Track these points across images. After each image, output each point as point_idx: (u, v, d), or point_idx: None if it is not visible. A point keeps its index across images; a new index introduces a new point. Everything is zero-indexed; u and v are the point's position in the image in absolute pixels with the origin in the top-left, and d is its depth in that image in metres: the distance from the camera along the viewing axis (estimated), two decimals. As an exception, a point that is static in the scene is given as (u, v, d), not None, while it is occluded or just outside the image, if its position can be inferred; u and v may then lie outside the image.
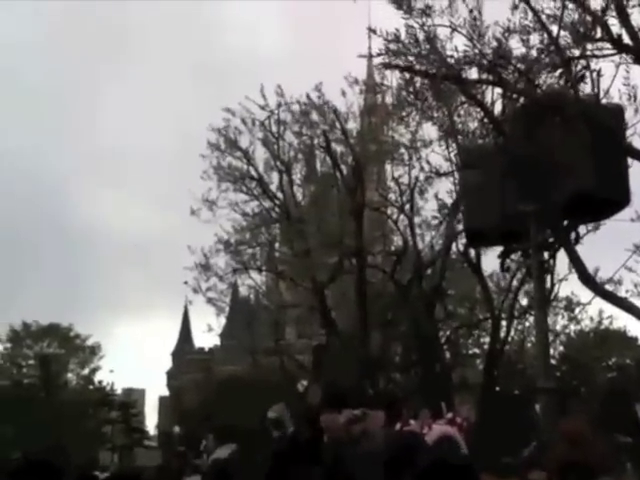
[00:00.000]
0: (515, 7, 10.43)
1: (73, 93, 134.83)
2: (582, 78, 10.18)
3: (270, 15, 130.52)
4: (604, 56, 10.09)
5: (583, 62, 10.25)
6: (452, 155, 22.74)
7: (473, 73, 10.88)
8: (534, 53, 10.50)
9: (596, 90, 10.02)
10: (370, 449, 5.73)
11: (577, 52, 10.25)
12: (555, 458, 4.45)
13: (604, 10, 9.86)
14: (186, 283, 28.12)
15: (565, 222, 10.87)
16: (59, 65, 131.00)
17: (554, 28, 10.21)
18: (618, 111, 10.25)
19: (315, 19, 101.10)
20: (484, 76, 10.76)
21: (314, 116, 26.77)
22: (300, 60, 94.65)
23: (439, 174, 23.69)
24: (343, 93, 25.75)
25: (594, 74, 10.05)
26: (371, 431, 6.07)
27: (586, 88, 10.25)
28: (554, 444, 4.67)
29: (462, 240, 24.27)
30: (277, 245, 30.26)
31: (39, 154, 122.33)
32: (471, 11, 10.46)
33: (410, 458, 5.18)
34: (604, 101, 10.16)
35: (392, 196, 28.25)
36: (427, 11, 10.48)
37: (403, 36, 10.69)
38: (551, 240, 11.00)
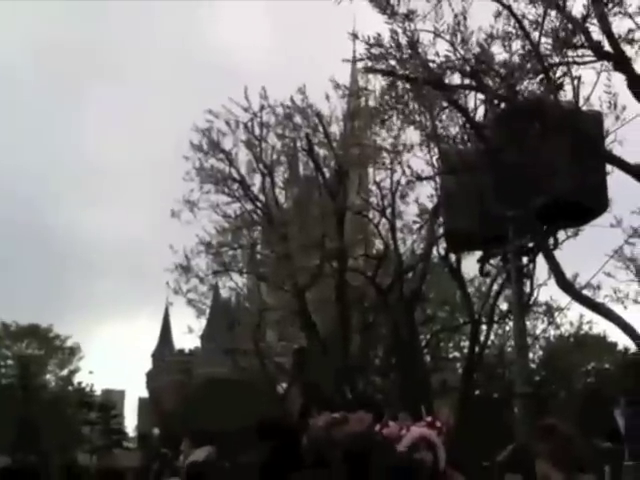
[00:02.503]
0: (499, 14, 10.51)
1: (55, 103, 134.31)
2: (562, 85, 10.25)
3: (254, 18, 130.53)
4: (585, 63, 10.17)
5: (564, 69, 10.33)
6: (434, 160, 22.92)
7: (455, 78, 10.95)
8: (516, 59, 10.58)
9: (576, 97, 10.09)
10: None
11: (558, 59, 10.33)
12: (547, 453, 4.49)
13: (585, 17, 9.93)
14: (167, 284, 28.12)
15: (544, 227, 10.94)
16: (42, 79, 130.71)
17: (536, 34, 10.28)
18: (598, 118, 10.33)
19: (299, 22, 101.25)
20: (466, 81, 10.82)
21: (297, 119, 26.81)
22: (284, 63, 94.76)
23: (420, 178, 23.72)
24: (327, 97, 25.81)
25: (574, 81, 10.12)
26: (352, 434, 6.06)
27: (567, 95, 10.32)
28: (536, 440, 4.72)
29: (443, 244, 24.34)
30: (259, 247, 30.27)
31: (15, 154, 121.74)
32: (456, 16, 10.51)
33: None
34: (584, 108, 10.24)
35: (374, 200, 28.29)
36: (410, 16, 10.52)
37: (386, 40, 10.74)
38: (530, 245, 11.07)
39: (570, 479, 4.37)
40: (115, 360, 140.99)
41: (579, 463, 4.41)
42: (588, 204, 10.48)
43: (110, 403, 69.44)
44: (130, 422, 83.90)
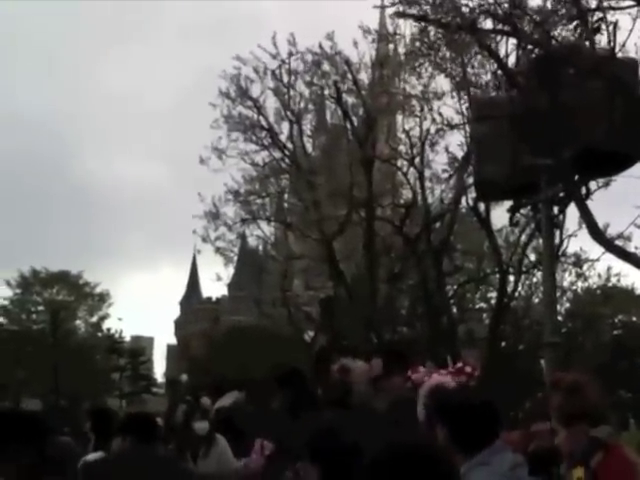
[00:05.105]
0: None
1: (79, 47, 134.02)
2: (598, 30, 10.03)
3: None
4: (621, 8, 9.96)
5: (599, 14, 10.10)
6: (464, 107, 22.71)
7: (488, 24, 10.74)
8: (550, 4, 10.36)
9: (612, 43, 9.88)
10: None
11: (594, 3, 10.11)
12: (553, 408, 4.46)
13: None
14: (195, 232, 28.20)
15: (576, 177, 10.77)
16: (64, 16, 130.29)
17: (571, -22, 10.06)
18: (633, 65, 10.11)
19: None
20: (499, 26, 10.62)
21: (326, 66, 26.59)
22: (313, 9, 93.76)
23: (450, 126, 23.60)
24: (355, 43, 25.51)
25: (610, 27, 9.90)
26: (356, 386, 6.15)
27: (602, 41, 10.11)
28: (550, 395, 4.69)
29: (472, 194, 24.18)
30: (286, 196, 30.25)
31: (47, 106, 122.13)
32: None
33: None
34: (620, 54, 10.02)
35: (402, 148, 28.13)
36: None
37: (418, -16, 10.55)
38: (561, 195, 10.92)
39: (574, 433, 4.32)
40: (144, 307, 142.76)
41: (589, 416, 4.34)
42: (621, 153, 10.29)
43: (139, 349, 70.18)
44: (159, 368, 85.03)
